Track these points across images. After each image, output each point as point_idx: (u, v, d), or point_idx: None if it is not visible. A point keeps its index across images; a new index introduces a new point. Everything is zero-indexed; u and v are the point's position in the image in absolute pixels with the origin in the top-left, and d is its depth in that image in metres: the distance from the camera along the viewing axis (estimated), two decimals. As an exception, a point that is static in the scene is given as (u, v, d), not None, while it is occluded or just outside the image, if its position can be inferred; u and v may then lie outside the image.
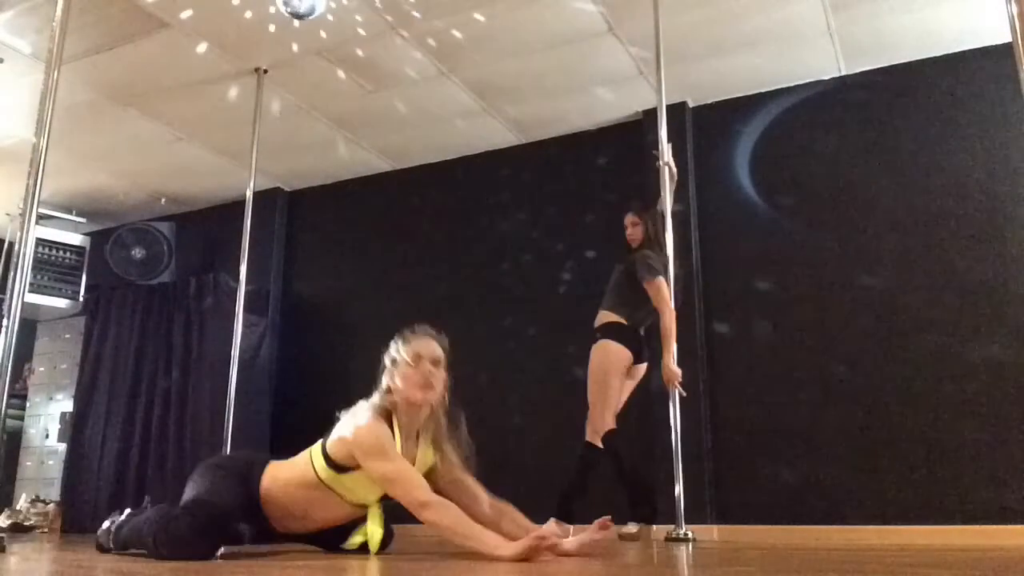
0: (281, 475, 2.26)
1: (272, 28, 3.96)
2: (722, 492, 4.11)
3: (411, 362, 2.21)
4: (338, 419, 2.25)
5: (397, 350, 2.28)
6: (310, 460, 2.23)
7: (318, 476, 2.20)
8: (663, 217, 3.64)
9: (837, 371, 4.02)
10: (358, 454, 2.13)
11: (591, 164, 4.94)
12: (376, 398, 2.25)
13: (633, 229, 3.64)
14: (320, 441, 2.26)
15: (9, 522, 5.33)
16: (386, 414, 2.21)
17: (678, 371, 3.42)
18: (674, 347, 3.42)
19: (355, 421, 2.18)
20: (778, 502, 3.98)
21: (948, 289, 3.90)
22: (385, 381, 2.26)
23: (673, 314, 3.44)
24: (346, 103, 4.72)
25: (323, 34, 4.02)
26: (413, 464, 2.20)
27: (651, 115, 4.35)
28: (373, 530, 2.20)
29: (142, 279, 5.77)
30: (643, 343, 3.60)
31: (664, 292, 3.44)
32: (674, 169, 3.71)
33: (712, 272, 4.42)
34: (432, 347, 2.26)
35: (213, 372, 5.15)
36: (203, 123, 4.94)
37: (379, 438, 2.13)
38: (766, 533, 3.85)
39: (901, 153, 4.17)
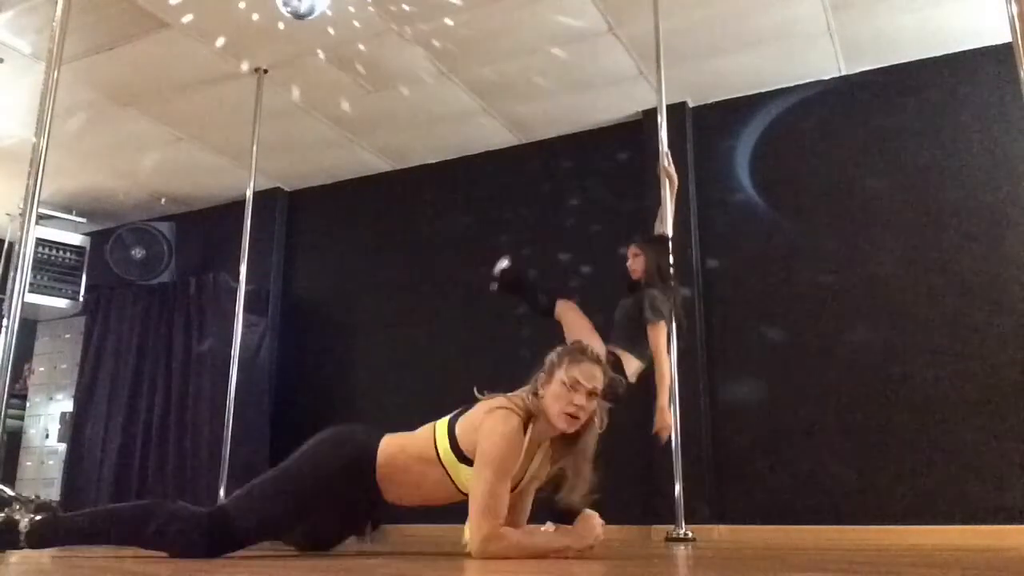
0: (397, 446, 2.16)
1: (272, 28, 3.96)
2: (722, 492, 4.10)
3: (568, 385, 2.07)
4: (479, 398, 2.14)
5: (560, 362, 2.12)
6: (433, 436, 2.14)
7: (438, 455, 2.10)
8: (666, 242, 3.52)
9: (837, 371, 4.02)
10: (479, 451, 2.02)
11: (591, 164, 4.94)
12: (526, 396, 2.13)
13: (634, 260, 3.46)
14: (449, 417, 2.16)
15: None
16: (527, 416, 2.09)
17: (670, 422, 3.28)
18: (666, 395, 3.27)
19: (499, 419, 2.04)
20: (778, 502, 3.97)
21: (948, 289, 3.91)
22: (537, 384, 2.13)
23: (667, 362, 3.30)
24: (346, 103, 4.72)
25: (323, 34, 4.02)
26: (525, 473, 2.12)
27: (651, 115, 4.35)
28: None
29: (142, 279, 5.77)
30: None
31: (661, 338, 3.29)
32: (674, 176, 3.67)
33: (712, 272, 4.42)
34: (595, 376, 2.10)
35: (213, 372, 5.15)
36: (203, 123, 4.94)
37: (509, 453, 2.01)
38: (766, 533, 3.85)
39: (901, 153, 4.17)
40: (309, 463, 2.14)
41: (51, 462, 6.29)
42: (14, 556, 1.85)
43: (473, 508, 1.97)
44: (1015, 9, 2.09)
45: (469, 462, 2.05)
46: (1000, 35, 3.75)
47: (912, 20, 3.93)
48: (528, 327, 4.85)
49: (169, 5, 3.79)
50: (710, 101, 4.64)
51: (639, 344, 3.35)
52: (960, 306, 3.86)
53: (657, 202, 3.76)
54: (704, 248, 4.46)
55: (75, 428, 5.65)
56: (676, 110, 4.45)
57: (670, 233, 3.59)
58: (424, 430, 2.18)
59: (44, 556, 1.92)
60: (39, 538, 2.07)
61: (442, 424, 2.16)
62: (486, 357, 4.82)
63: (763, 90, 4.51)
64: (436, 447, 2.11)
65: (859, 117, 4.30)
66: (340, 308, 5.58)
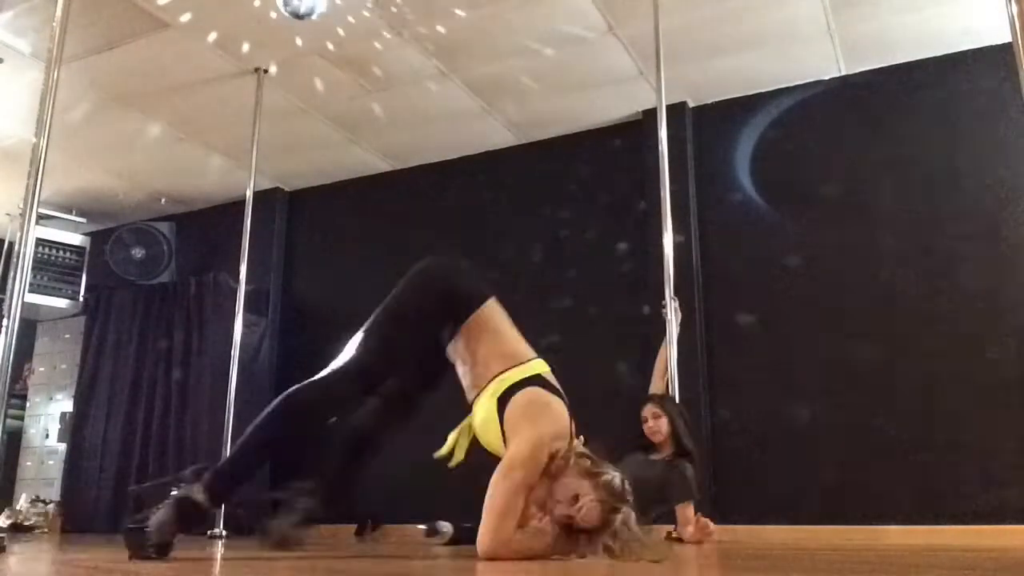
0: (495, 322, 2.27)
1: (272, 28, 3.96)
2: (722, 492, 4.10)
3: (569, 501, 1.96)
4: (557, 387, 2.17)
5: (595, 478, 1.96)
6: (510, 363, 2.19)
7: (497, 373, 2.15)
8: (677, 404, 3.46)
9: (837, 371, 4.02)
10: (516, 448, 2.00)
11: (591, 164, 4.94)
12: (568, 453, 2.02)
13: (655, 422, 3.32)
14: (542, 369, 2.19)
15: (9, 522, 5.33)
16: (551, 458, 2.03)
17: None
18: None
19: (548, 430, 2.03)
20: (778, 502, 3.97)
21: (948, 289, 3.90)
22: (565, 469, 1.99)
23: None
24: (346, 103, 4.72)
25: (323, 34, 4.02)
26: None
27: (651, 115, 4.34)
28: (461, 443, 2.19)
29: (142, 279, 5.77)
30: None
31: (691, 514, 3.26)
32: (679, 316, 3.64)
33: (712, 272, 4.42)
34: (592, 519, 1.99)
35: (213, 372, 5.15)
36: (203, 123, 4.93)
37: (538, 467, 1.99)
38: (766, 533, 3.85)
39: (901, 153, 4.17)
40: (409, 293, 2.30)
41: (51, 462, 6.29)
42: (13, 557, 1.84)
43: (489, 507, 1.94)
44: (1015, 9, 2.08)
45: (496, 418, 2.09)
46: (1000, 35, 3.75)
47: (912, 20, 3.93)
48: (528, 327, 4.85)
49: (169, 5, 3.79)
50: (710, 101, 4.64)
51: (648, 511, 3.19)
52: (960, 306, 3.86)
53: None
54: (704, 248, 4.46)
55: (75, 428, 5.64)
56: (676, 110, 4.45)
57: (675, 365, 3.53)
58: (520, 345, 2.27)
59: (41, 559, 1.89)
60: (218, 494, 2.07)
61: (528, 368, 2.19)
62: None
63: (763, 90, 4.51)
64: (502, 372, 2.15)
65: (859, 117, 4.30)
66: (340, 308, 5.55)
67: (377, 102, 4.69)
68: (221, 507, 2.05)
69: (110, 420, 5.52)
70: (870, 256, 4.09)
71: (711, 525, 3.25)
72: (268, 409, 2.18)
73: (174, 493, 2.03)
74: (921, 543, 3.20)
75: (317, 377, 2.20)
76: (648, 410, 3.37)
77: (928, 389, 3.83)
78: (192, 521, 1.99)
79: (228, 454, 2.19)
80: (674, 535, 3.36)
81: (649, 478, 3.23)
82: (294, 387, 2.18)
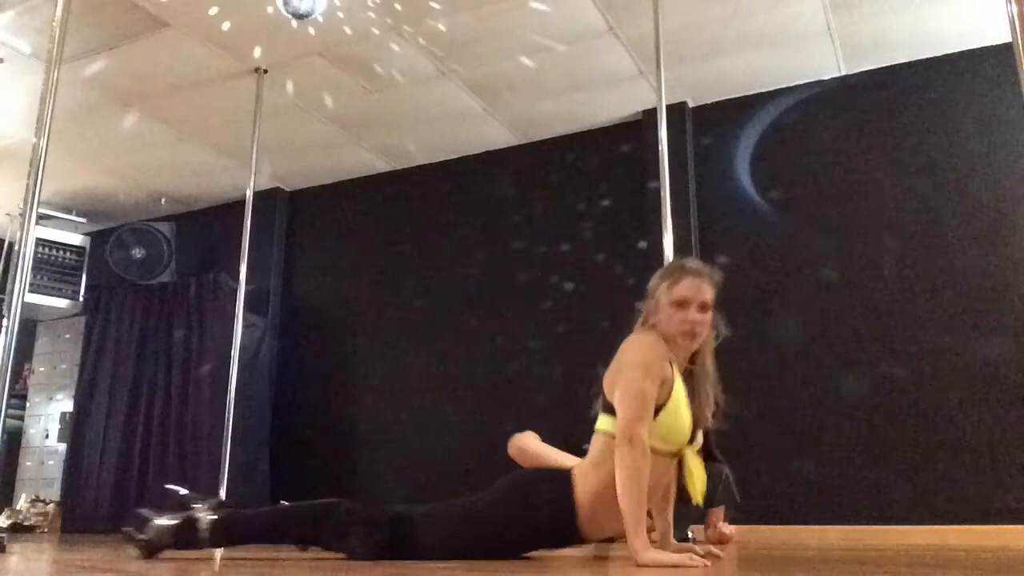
0: (586, 469, 2.01)
1: (272, 28, 3.96)
2: (722, 492, 4.10)
3: (677, 305, 1.96)
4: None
5: (659, 285, 2.01)
6: (599, 432, 2.00)
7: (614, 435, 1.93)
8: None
9: (837, 371, 4.01)
10: (619, 365, 1.94)
11: (591, 164, 4.94)
12: (642, 331, 2.02)
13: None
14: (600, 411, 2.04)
15: (9, 522, 5.34)
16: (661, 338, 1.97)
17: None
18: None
19: (632, 339, 1.98)
20: (778, 502, 3.97)
21: (948, 289, 3.90)
22: (647, 316, 2.03)
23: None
24: (346, 103, 4.72)
25: (323, 34, 4.02)
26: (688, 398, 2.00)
27: (651, 115, 4.35)
28: (695, 472, 1.97)
29: (142, 279, 5.77)
30: None
31: (720, 517, 3.34)
32: None
33: (712, 272, 4.41)
34: (703, 290, 1.98)
35: (213, 372, 5.15)
36: (203, 123, 4.93)
37: (648, 353, 1.92)
38: (766, 533, 3.85)
39: (901, 153, 4.17)
40: (509, 507, 2.03)
41: (51, 462, 6.29)
42: (13, 557, 1.84)
43: (621, 409, 1.88)
44: (1015, 9, 2.09)
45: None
46: (1000, 35, 3.75)
47: (912, 20, 3.93)
48: (529, 328, 4.86)
49: (169, 5, 3.79)
50: (710, 101, 4.64)
51: (683, 523, 3.24)
52: (960, 306, 3.86)
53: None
54: (703, 248, 4.46)
55: (75, 428, 5.64)
56: (676, 110, 4.45)
57: None
58: (593, 440, 2.03)
59: (42, 559, 1.90)
60: (220, 537, 2.08)
61: (600, 417, 2.02)
62: (486, 356, 4.82)
63: (763, 90, 4.51)
64: (607, 431, 1.96)
65: (859, 117, 4.30)
66: (340, 308, 5.58)
67: (377, 102, 4.69)
68: (217, 548, 2.09)
69: (110, 420, 5.52)
70: (870, 256, 4.09)
71: (729, 528, 3.23)
72: (324, 510, 2.05)
73: (185, 514, 2.09)
74: (921, 543, 3.20)
75: (384, 518, 2.04)
76: None
77: (928, 389, 3.82)
78: (187, 544, 2.06)
79: (259, 511, 2.20)
80: (692, 537, 3.36)
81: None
82: (353, 507, 2.04)
